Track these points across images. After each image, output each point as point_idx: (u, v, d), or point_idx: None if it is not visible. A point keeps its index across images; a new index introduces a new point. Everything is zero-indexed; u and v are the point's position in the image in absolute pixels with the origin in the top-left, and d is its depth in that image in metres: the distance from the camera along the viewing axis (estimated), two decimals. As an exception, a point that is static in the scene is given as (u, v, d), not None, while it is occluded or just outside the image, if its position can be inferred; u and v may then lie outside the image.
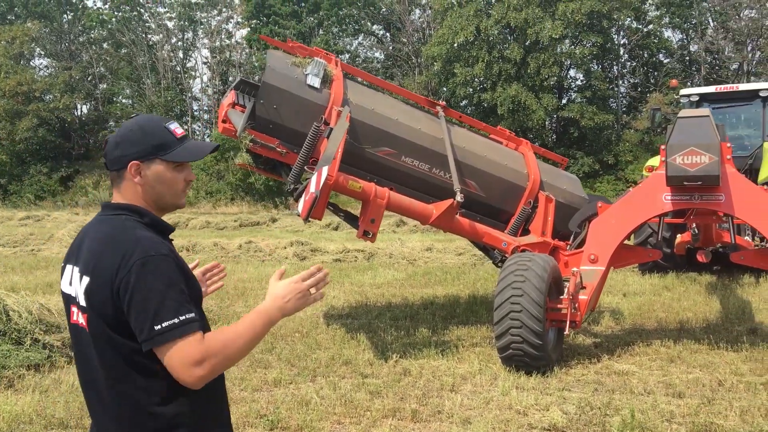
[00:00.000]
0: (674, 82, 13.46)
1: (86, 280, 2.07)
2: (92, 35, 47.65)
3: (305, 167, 6.66)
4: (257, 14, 44.00)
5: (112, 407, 2.08)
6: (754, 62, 37.47)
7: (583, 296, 6.50)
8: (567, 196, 8.07)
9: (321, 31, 44.39)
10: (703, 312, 8.75)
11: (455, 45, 34.95)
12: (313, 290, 2.21)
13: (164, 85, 45.71)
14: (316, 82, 6.90)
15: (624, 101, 40.89)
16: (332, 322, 8.25)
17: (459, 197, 6.87)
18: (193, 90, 49.48)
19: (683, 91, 12.98)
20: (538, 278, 6.18)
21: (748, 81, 35.55)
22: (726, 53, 38.67)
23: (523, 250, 7.24)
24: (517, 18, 33.10)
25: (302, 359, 6.66)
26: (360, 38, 46.91)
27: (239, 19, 46.85)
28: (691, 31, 40.45)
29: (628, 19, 37.29)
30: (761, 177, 11.07)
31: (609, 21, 35.62)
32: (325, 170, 6.06)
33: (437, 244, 15.30)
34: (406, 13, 42.04)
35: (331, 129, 6.42)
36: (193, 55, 50.56)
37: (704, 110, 6.98)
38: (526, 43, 34.58)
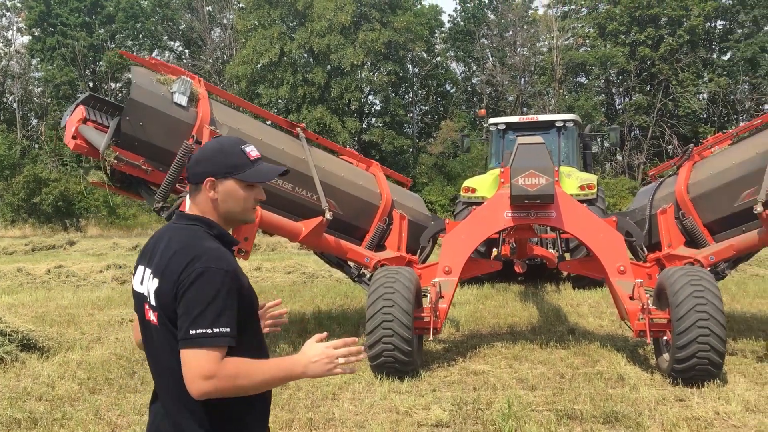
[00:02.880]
0: (482, 111, 14.97)
1: (156, 281, 2.23)
2: None
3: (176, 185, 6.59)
4: (41, 23, 40.80)
5: (180, 399, 2.21)
6: (526, 95, 41.91)
7: (442, 305, 7.10)
8: (414, 214, 8.71)
9: (113, 45, 42.20)
10: (526, 316, 9.84)
11: (259, 66, 35.13)
12: (341, 360, 2.24)
13: (-74, 94, 40.67)
14: (183, 100, 6.87)
15: (417, 127, 43.60)
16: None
17: (328, 215, 7.20)
18: (-39, 100, 44.49)
19: (492, 120, 14.42)
20: (406, 289, 6.67)
21: (523, 111, 39.75)
22: (504, 86, 42.85)
23: (383, 265, 7.72)
24: (320, 43, 34.11)
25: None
26: (156, 53, 45.26)
27: (21, 26, 43.04)
28: (473, 64, 44.29)
29: (421, 50, 39.94)
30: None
31: (404, 51, 37.92)
32: (203, 188, 6.08)
33: (265, 263, 15.37)
34: (207, 30, 41.39)
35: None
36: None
37: (538, 138, 7.98)
38: (328, 68, 35.71)
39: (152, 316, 2.27)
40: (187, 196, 2.42)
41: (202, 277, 2.13)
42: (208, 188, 2.31)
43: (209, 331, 2.10)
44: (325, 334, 2.36)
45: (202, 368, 2.08)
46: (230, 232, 2.44)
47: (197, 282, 2.13)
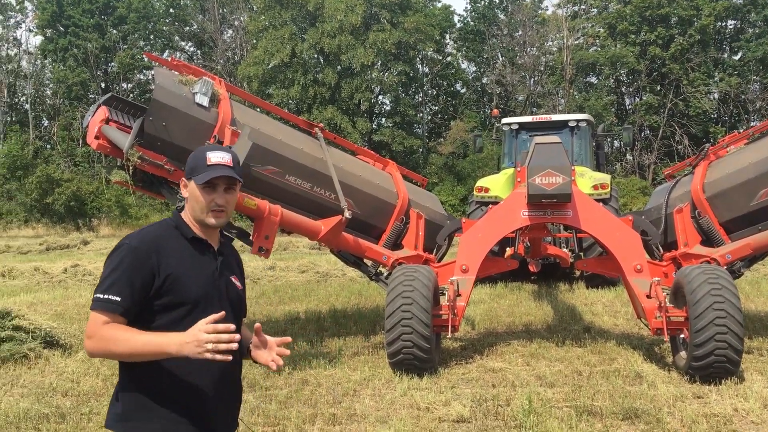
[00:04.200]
0: (495, 111, 14.94)
1: None
2: None
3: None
4: (53, 23, 41.08)
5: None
6: (536, 95, 41.88)
7: (460, 303, 7.17)
8: (431, 213, 8.77)
9: (125, 45, 42.45)
10: (541, 315, 9.89)
11: (270, 66, 35.29)
12: (210, 346, 2.21)
13: (-60, 95, 41.02)
14: (204, 101, 6.96)
15: (427, 127, 43.66)
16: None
17: (347, 214, 7.27)
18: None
19: (505, 120, 14.47)
20: (424, 287, 6.75)
21: (533, 111, 39.74)
22: (514, 86, 42.83)
23: (400, 263, 7.80)
24: (331, 44, 34.23)
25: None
26: (166, 54, 45.47)
27: (32, 27, 43.36)
28: (483, 64, 44.29)
29: (430, 50, 40.00)
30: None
31: (414, 51, 37.98)
32: (226, 188, 6.17)
33: (279, 263, 15.49)
34: (218, 32, 41.58)
35: (229, 147, 6.52)
36: (-26, 63, 45.85)
37: (555, 138, 8.03)
38: (339, 69, 35.83)
39: None
40: None
41: (115, 250, 2.45)
42: (182, 188, 2.61)
43: (100, 296, 2.37)
44: (222, 313, 2.32)
45: (88, 328, 2.37)
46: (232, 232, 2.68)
47: (110, 254, 2.46)
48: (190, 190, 2.54)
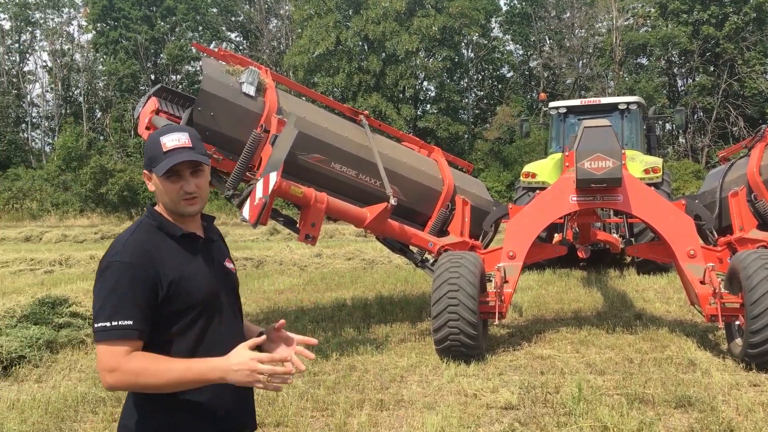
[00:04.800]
0: (543, 95, 14.74)
1: None
2: None
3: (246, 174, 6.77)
4: (104, 17, 41.97)
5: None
6: (584, 77, 41.10)
7: (507, 289, 7.11)
8: (477, 200, 8.71)
9: (173, 37, 43.12)
10: (590, 302, 9.74)
11: (315, 55, 35.44)
12: (264, 378, 2.13)
13: (-1, 90, 42.37)
14: (251, 90, 7.02)
15: (472, 112, 43.30)
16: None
17: (393, 201, 7.27)
18: (31, 95, 46.27)
19: (552, 104, 14.25)
20: (471, 274, 6.70)
21: (581, 95, 39.02)
22: (561, 69, 42.13)
23: (446, 250, 7.77)
24: (375, 31, 34.16)
25: (245, 363, 6.74)
26: (214, 45, 46.07)
27: (83, 22, 44.39)
28: (530, 48, 43.65)
29: (476, 35, 39.59)
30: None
31: (459, 36, 37.65)
32: (273, 176, 6.24)
33: (326, 250, 15.60)
34: (264, 21, 41.91)
35: (275, 136, 6.59)
36: (30, 58, 47.25)
37: (605, 121, 7.87)
38: (383, 56, 35.76)
39: None
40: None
41: (105, 272, 2.18)
42: (147, 181, 2.36)
43: (107, 324, 2.10)
44: (263, 338, 2.26)
45: (104, 362, 2.11)
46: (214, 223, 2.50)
47: (100, 277, 2.19)
48: (153, 182, 2.30)
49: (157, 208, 2.36)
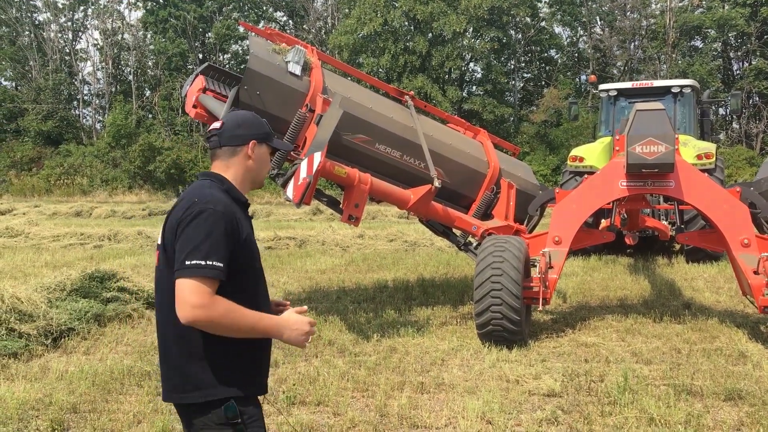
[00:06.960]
0: (593, 77, 14.39)
1: (165, 227, 2.45)
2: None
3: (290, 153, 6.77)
4: (154, -4, 42.47)
5: (177, 342, 2.41)
6: (636, 60, 40.09)
7: (552, 275, 6.99)
8: (522, 183, 8.57)
9: (221, 17, 43.43)
10: (637, 290, 9.54)
11: (361, 35, 35.30)
12: (308, 338, 2.49)
13: (52, 68, 43.30)
14: (297, 69, 7.01)
15: (519, 95, 42.66)
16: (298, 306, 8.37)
17: (437, 183, 7.20)
18: (83, 73, 47.22)
19: (602, 86, 13.92)
20: (515, 258, 6.61)
21: (632, 77, 38.08)
22: (612, 51, 41.15)
23: (490, 233, 7.67)
24: (423, 11, 33.83)
25: (287, 341, 6.78)
26: (261, 24, 46.26)
27: (133, 0, 44.97)
28: (580, 29, 42.72)
29: (524, 15, 38.88)
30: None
31: (507, 17, 37.04)
32: (318, 156, 6.22)
33: (368, 231, 15.61)
34: (310, 1, 41.87)
35: (320, 116, 6.56)
36: (82, 36, 48.13)
37: (658, 104, 7.64)
38: (429, 36, 35.42)
39: (157, 260, 2.49)
40: (213, 157, 2.58)
41: (200, 216, 2.32)
42: (250, 150, 2.55)
43: (203, 263, 2.26)
44: (305, 308, 2.57)
45: (192, 297, 2.23)
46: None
47: (195, 220, 2.32)
48: (261, 152, 2.59)
49: (225, 175, 2.54)
